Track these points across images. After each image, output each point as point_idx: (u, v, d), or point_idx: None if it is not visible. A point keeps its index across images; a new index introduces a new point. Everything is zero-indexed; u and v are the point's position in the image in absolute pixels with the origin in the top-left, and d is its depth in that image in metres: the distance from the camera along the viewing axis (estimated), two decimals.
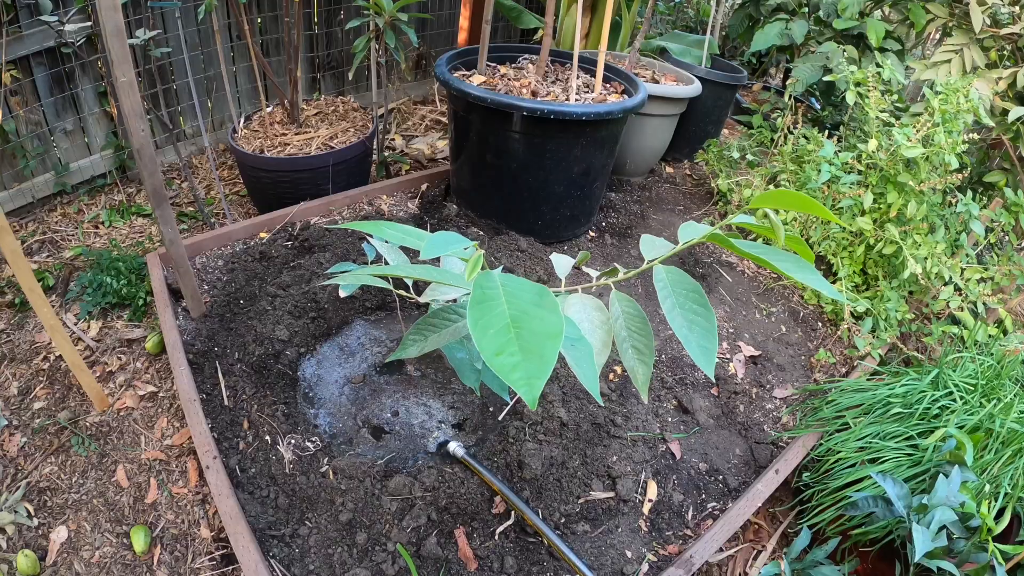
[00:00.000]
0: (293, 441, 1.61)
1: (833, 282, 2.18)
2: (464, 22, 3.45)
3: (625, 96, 2.31)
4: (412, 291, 1.19)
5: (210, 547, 1.66)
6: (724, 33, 3.82)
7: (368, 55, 2.42)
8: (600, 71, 2.24)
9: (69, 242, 2.82)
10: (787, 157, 2.30)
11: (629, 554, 1.44)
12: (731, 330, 2.21)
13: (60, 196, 2.99)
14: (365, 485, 1.48)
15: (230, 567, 1.59)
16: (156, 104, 3.08)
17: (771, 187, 2.38)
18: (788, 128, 2.51)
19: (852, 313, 2.10)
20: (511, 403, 1.70)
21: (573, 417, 1.67)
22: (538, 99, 2.15)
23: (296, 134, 2.78)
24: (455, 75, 2.37)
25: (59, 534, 1.70)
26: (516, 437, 1.57)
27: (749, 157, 2.53)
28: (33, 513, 1.73)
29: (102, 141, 3.00)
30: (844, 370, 2.10)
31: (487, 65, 2.50)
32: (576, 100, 2.20)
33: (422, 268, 0.85)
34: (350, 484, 1.48)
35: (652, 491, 1.59)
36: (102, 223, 2.93)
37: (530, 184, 2.23)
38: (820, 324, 2.29)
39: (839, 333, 2.18)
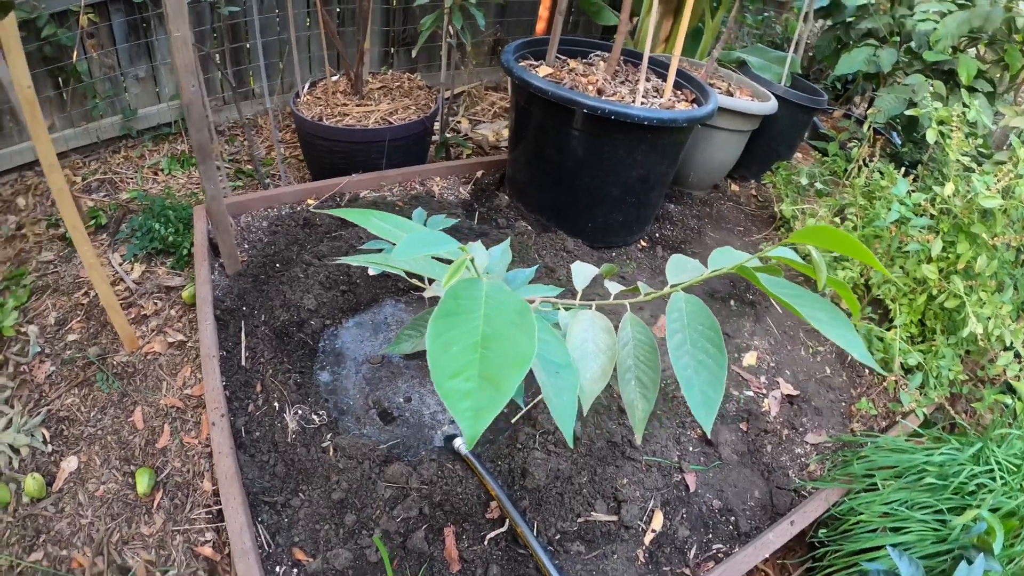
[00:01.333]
0: (300, 412, 1.59)
1: (888, 328, 2.03)
2: (544, 11, 3.38)
3: (695, 105, 2.20)
4: (426, 282, 1.14)
5: (208, 500, 1.66)
6: (811, 55, 3.63)
7: (440, 35, 2.38)
8: (672, 76, 2.13)
9: (127, 185, 2.90)
10: (858, 190, 2.15)
11: None
12: (772, 364, 2.09)
13: (125, 139, 3.08)
14: (363, 467, 1.45)
15: (223, 523, 1.59)
16: (227, 62, 3.14)
17: (837, 219, 2.23)
18: (863, 160, 2.35)
19: (902, 365, 1.95)
20: (525, 408, 1.64)
21: (589, 432, 1.59)
22: (602, 98, 2.07)
23: (357, 106, 2.77)
24: (521, 64, 2.31)
25: (69, 463, 1.73)
26: (524, 444, 1.51)
27: (818, 185, 2.38)
28: (48, 440, 1.77)
29: (171, 91, 3.07)
30: (884, 424, 1.95)
31: (557, 57, 2.42)
32: (642, 103, 2.11)
33: (424, 262, 0.79)
34: (348, 463, 1.45)
35: (657, 521, 1.50)
36: (161, 170, 3.00)
37: (585, 184, 2.15)
38: (867, 371, 2.13)
39: (885, 384, 2.02)
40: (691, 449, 1.73)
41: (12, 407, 1.81)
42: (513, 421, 1.63)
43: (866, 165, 2.31)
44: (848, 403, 2.00)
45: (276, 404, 1.63)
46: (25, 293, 2.21)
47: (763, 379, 2.02)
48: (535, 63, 2.37)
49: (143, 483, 1.67)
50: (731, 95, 2.50)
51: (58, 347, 2.05)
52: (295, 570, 1.33)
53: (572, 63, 2.40)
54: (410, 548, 1.33)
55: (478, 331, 0.52)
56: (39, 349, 2.03)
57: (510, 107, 2.35)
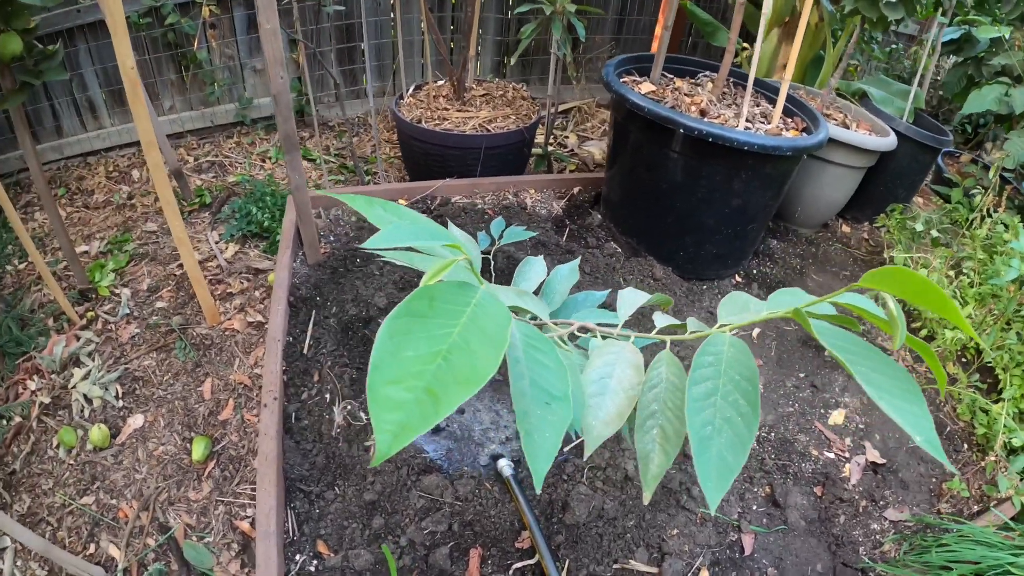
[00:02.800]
0: (349, 407, 1.58)
1: (996, 400, 1.76)
2: (659, 30, 3.28)
3: (804, 134, 2.03)
4: None
5: (255, 478, 1.68)
6: (940, 94, 3.29)
7: (548, 48, 2.34)
8: (780, 101, 1.98)
9: (235, 168, 3.07)
10: (978, 243, 1.89)
11: None
12: (861, 426, 1.87)
13: (239, 126, 3.27)
14: (400, 473, 1.41)
15: None
16: (342, 60, 3.27)
17: (951, 273, 1.97)
18: (987, 210, 2.07)
19: (1005, 444, 1.68)
20: (576, 439, 1.54)
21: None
22: (704, 119, 1.95)
23: (457, 111, 2.79)
24: (623, 79, 2.23)
25: (135, 420, 1.81)
26: (571, 476, 1.42)
27: (935, 233, 2.12)
28: (120, 395, 1.87)
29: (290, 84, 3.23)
30: (977, 508, 1.68)
31: (663, 76, 2.33)
32: (747, 128, 1.97)
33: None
34: (386, 466, 1.42)
35: None
36: (269, 158, 3.15)
37: (678, 209, 2.04)
38: (966, 446, 1.86)
39: (984, 464, 1.76)
40: (755, 508, 1.57)
41: (93, 360, 1.93)
42: (564, 450, 1.54)
43: (989, 216, 2.04)
44: (939, 480, 1.75)
45: (328, 396, 1.63)
46: (125, 258, 2.37)
47: (848, 441, 1.80)
48: (639, 79, 2.28)
49: (199, 450, 1.71)
50: (847, 127, 2.30)
51: (146, 312, 2.17)
52: (315, 562, 1.30)
53: (679, 82, 2.29)
54: (432, 563, 1.27)
55: (447, 340, 0.45)
56: (128, 311, 2.15)
57: (609, 123, 2.28)
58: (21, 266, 2.33)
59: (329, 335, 1.80)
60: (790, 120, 2.12)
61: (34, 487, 1.64)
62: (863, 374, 0.52)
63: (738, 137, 1.75)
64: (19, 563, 1.50)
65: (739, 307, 0.70)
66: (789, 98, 2.15)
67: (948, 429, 1.91)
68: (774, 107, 2.04)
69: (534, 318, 0.77)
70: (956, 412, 1.94)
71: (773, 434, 1.77)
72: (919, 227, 2.07)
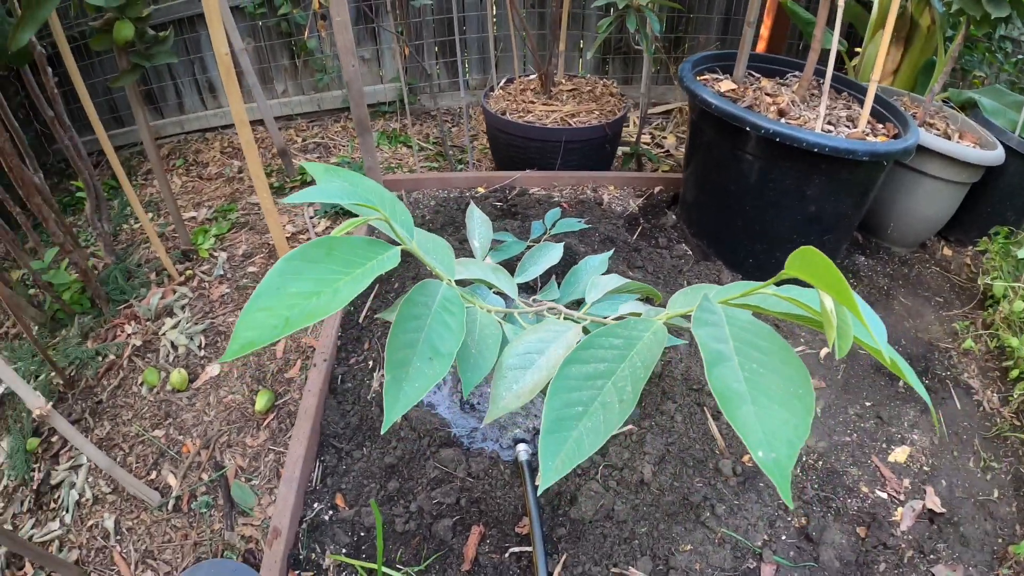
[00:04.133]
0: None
1: None
2: (765, 31, 3.13)
3: (893, 140, 1.87)
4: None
5: None
6: None
7: (639, 44, 2.32)
8: (868, 105, 1.83)
9: (338, 151, 3.29)
10: None
11: None
12: (925, 468, 1.69)
13: (345, 112, 3.50)
14: (421, 443, 1.47)
15: None
16: (445, 53, 3.40)
17: None
18: None
19: None
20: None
21: (661, 482, 1.44)
22: (781, 120, 1.85)
23: (543, 105, 2.82)
24: (703, 77, 2.16)
25: (212, 369, 2.01)
26: (585, 470, 1.41)
27: None
28: (203, 346, 2.08)
29: (392, 74, 3.41)
30: None
31: (749, 74, 2.23)
32: (827, 131, 1.84)
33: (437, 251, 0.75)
34: (410, 434, 1.49)
35: None
36: None
37: (748, 214, 1.95)
38: None
39: None
40: (783, 538, 1.47)
41: (184, 312, 2.16)
42: None
43: None
44: (1007, 541, 1.54)
45: (371, 363, 1.73)
46: (227, 225, 2.63)
47: (907, 482, 1.64)
48: (721, 77, 2.20)
49: (262, 402, 1.88)
50: (948, 138, 2.08)
51: (238, 274, 2.39)
52: (330, 512, 1.39)
53: (764, 81, 2.18)
54: (434, 532, 1.32)
55: (332, 284, 0.49)
56: (222, 272, 2.39)
57: (687, 121, 2.22)
58: (136, 226, 2.65)
59: (384, 307, 1.90)
60: (880, 126, 1.96)
61: (115, 417, 1.88)
62: (750, 370, 0.49)
63: (808, 138, 1.64)
64: (90, 479, 1.72)
65: (695, 298, 0.68)
66: (883, 103, 1.97)
67: None
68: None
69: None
70: None
71: (821, 463, 1.65)
72: (1022, 254, 1.83)
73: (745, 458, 1.60)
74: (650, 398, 1.60)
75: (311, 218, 2.75)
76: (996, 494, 1.65)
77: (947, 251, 2.44)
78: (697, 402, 1.59)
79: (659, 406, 1.55)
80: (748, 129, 1.73)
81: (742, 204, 1.95)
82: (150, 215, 2.76)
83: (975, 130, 2.13)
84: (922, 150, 1.99)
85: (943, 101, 2.42)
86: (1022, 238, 1.94)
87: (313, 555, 1.35)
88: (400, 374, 0.53)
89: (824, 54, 1.92)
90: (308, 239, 2.62)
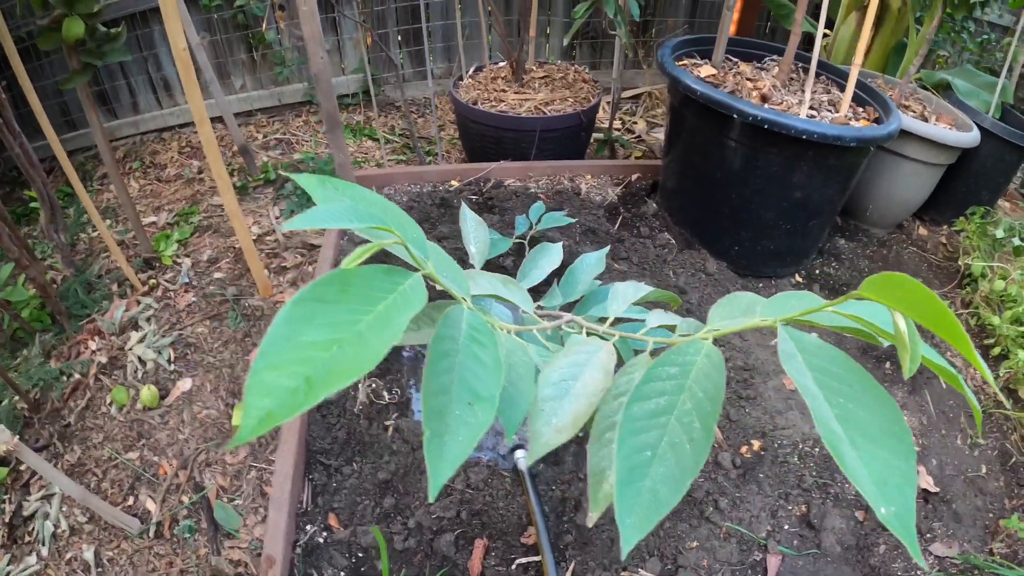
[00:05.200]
0: (373, 386, 1.60)
1: None
2: (735, 14, 3.12)
3: (875, 124, 1.87)
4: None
5: None
6: None
7: (615, 29, 2.27)
8: (850, 89, 1.82)
9: (301, 147, 3.16)
10: None
11: None
12: (916, 448, 1.71)
13: (307, 105, 3.37)
14: (416, 455, 1.41)
15: None
16: (408, 41, 3.29)
17: None
18: None
19: None
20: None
21: None
22: (765, 106, 1.83)
23: (515, 93, 2.75)
24: (682, 63, 2.12)
25: (184, 384, 1.91)
26: (587, 475, 1.37)
27: (1017, 241, 1.89)
28: (173, 359, 1.97)
29: (354, 65, 3.29)
30: None
31: (727, 59, 2.20)
32: (810, 116, 1.83)
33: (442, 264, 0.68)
34: (403, 447, 1.43)
35: None
36: None
37: (733, 201, 1.93)
38: None
39: None
40: (786, 527, 1.47)
41: (150, 325, 2.05)
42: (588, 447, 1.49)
43: None
44: (997, 516, 1.58)
45: None
46: (190, 230, 2.50)
47: None
48: (700, 62, 2.17)
49: (240, 416, 1.78)
50: (925, 120, 2.09)
51: (204, 281, 2.28)
52: (324, 534, 1.33)
53: (743, 66, 2.16)
54: (436, 548, 1.27)
55: (352, 328, 0.42)
56: (187, 280, 2.27)
57: (666, 108, 2.19)
58: (94, 234, 2.50)
59: None
60: (861, 109, 1.96)
61: (85, 440, 1.77)
62: (838, 405, 0.45)
63: (796, 125, 1.63)
64: (64, 509, 1.61)
65: (739, 310, 0.63)
66: (862, 86, 1.97)
67: (1015, 459, 1.73)
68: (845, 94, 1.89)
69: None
70: None
71: (818, 449, 1.65)
72: (1000, 233, 1.86)
73: (743, 449, 1.59)
74: None
75: (276, 218, 2.64)
76: (984, 470, 1.69)
77: (923, 231, 2.48)
78: None
79: None
80: (735, 116, 1.70)
81: (727, 191, 1.93)
82: (108, 222, 2.61)
83: (950, 111, 2.16)
84: (902, 133, 2.00)
85: (916, 82, 2.45)
86: (998, 218, 1.97)
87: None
88: (439, 427, 0.46)
89: (805, 38, 1.90)
90: (275, 240, 2.52)
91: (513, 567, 1.26)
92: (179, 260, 2.36)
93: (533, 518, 1.25)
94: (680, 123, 2.03)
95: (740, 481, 1.51)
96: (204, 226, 2.57)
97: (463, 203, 1.32)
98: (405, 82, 3.44)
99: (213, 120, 3.13)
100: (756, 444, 1.60)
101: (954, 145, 1.99)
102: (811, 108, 1.88)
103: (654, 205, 2.30)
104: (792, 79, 2.06)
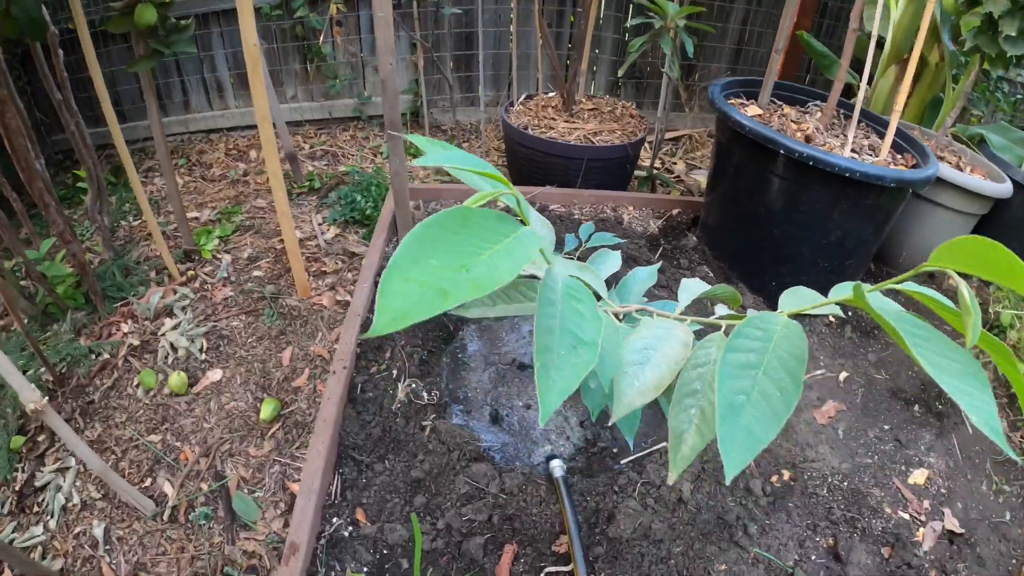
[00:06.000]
0: (413, 386, 1.61)
1: None
2: (779, 67, 3.22)
3: (914, 169, 1.91)
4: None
5: None
6: None
7: (661, 71, 2.33)
8: (890, 135, 1.87)
9: (347, 159, 3.24)
10: None
11: None
12: (943, 491, 1.70)
13: (355, 121, 3.46)
14: (451, 456, 1.41)
15: None
16: (459, 67, 3.39)
17: None
18: None
19: None
20: (637, 454, 1.49)
21: (698, 501, 1.40)
22: (808, 145, 1.88)
23: (564, 122, 2.81)
24: (729, 101, 2.19)
25: (214, 374, 1.93)
26: (623, 488, 1.37)
27: None
28: (205, 349, 1.99)
29: (404, 86, 3.38)
30: None
31: (772, 101, 2.26)
32: (852, 157, 1.87)
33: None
34: (439, 447, 1.43)
35: None
36: (380, 154, 3.30)
37: (774, 237, 1.96)
38: None
39: None
40: (813, 558, 1.45)
41: (185, 313, 2.07)
42: (622, 463, 1.49)
43: None
44: (1020, 563, 1.55)
45: (395, 372, 1.67)
46: (232, 227, 2.55)
47: (927, 504, 1.65)
48: (746, 103, 2.23)
49: (267, 411, 1.79)
50: (961, 170, 2.14)
51: (242, 278, 2.31)
52: (350, 528, 1.32)
53: (787, 109, 2.21)
54: (464, 551, 1.25)
55: (475, 258, 0.46)
56: (226, 275, 2.30)
57: (713, 145, 2.24)
58: (135, 223, 2.55)
59: None
60: (899, 156, 1.99)
61: (108, 419, 1.78)
62: (925, 356, 0.50)
63: (840, 163, 1.66)
64: (78, 483, 1.62)
65: (804, 298, 0.66)
66: (901, 135, 2.02)
67: None
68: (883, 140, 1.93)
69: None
70: None
71: (846, 483, 1.64)
72: None
73: (774, 478, 1.58)
74: None
75: (319, 224, 2.69)
76: (1008, 516, 1.67)
77: (952, 281, 2.49)
78: None
79: None
80: (781, 152, 1.74)
81: (769, 227, 1.96)
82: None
83: (984, 164, 2.20)
84: (937, 181, 2.04)
85: (951, 136, 2.49)
86: None
87: (333, 573, 1.27)
88: (547, 360, 0.50)
89: (848, 87, 1.95)
90: (316, 246, 2.56)
91: (542, 575, 1.25)
92: (219, 255, 2.40)
93: (567, 526, 1.25)
94: (726, 158, 2.08)
95: (770, 509, 1.50)
96: (246, 226, 2.62)
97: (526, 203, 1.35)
98: (455, 106, 3.53)
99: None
100: (787, 474, 1.59)
101: (987, 195, 2.02)
102: (852, 151, 1.92)
103: (694, 239, 2.33)
104: (834, 124, 2.11)
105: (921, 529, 1.58)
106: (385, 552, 1.31)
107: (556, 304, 0.54)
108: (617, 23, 3.39)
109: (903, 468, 1.74)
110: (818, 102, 2.25)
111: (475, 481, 1.35)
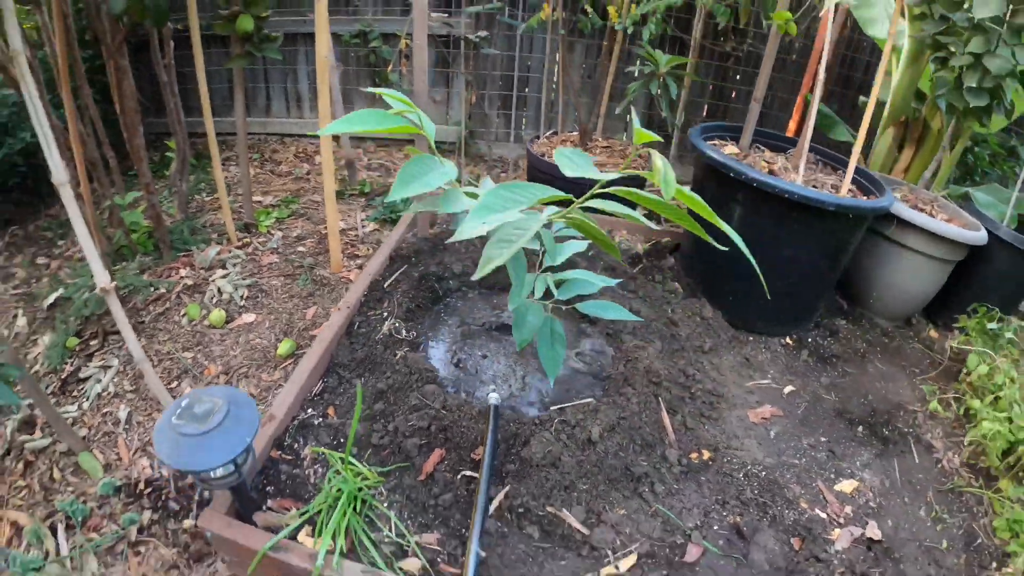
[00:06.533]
0: (396, 325, 1.91)
1: None
2: (793, 124, 3.45)
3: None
4: None
5: None
6: None
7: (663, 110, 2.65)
8: (850, 173, 2.07)
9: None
10: None
11: None
12: (872, 505, 1.75)
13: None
14: (411, 378, 1.69)
15: None
16: (505, 105, 3.82)
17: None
18: None
19: None
20: (563, 404, 1.71)
21: (608, 446, 1.59)
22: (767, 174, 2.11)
23: None
24: (711, 141, 2.46)
25: (248, 317, 2.31)
26: (542, 422, 1.60)
27: (1009, 335, 1.96)
28: (245, 298, 2.39)
29: (456, 117, 3.85)
30: None
31: (756, 146, 2.52)
32: (806, 186, 2.08)
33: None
34: (403, 370, 1.71)
35: (627, 564, 1.40)
36: None
37: (729, 255, 2.17)
38: (995, 565, 1.67)
39: None
40: (715, 528, 1.56)
41: (235, 267, 2.50)
42: (552, 409, 1.70)
43: None
44: None
45: (385, 315, 1.98)
46: (288, 212, 3.01)
47: (848, 509, 1.72)
48: (727, 143, 2.49)
49: (284, 348, 2.15)
50: (934, 217, 2.28)
51: (288, 251, 2.74)
52: (320, 419, 1.62)
53: (768, 152, 2.45)
54: (402, 448, 1.52)
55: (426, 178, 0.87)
56: (276, 247, 2.74)
57: (692, 180, 2.50)
58: (207, 199, 3.06)
59: (407, 280, 2.17)
60: (864, 196, 2.18)
61: (153, 336, 2.18)
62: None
63: (780, 185, 1.89)
64: (116, 379, 2.01)
65: (580, 166, 0.96)
66: (872, 180, 2.21)
67: (979, 541, 1.74)
68: (852, 183, 2.13)
69: None
70: (994, 529, 1.77)
71: (765, 474, 1.74)
72: (1008, 334, 1.94)
73: (693, 455, 1.73)
74: (612, 383, 1.79)
75: (362, 220, 3.10)
76: (944, 544, 1.68)
77: (933, 333, 2.56)
78: (654, 394, 1.77)
79: (619, 389, 1.74)
80: (731, 174, 1.99)
81: (729, 250, 2.17)
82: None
83: (963, 216, 2.33)
84: (904, 224, 2.20)
85: (944, 195, 2.63)
86: (1003, 327, 2.06)
87: (296, 445, 1.57)
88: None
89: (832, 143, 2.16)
90: (355, 236, 2.96)
91: (458, 476, 1.48)
92: (273, 231, 2.84)
93: (486, 441, 1.49)
94: (700, 190, 2.32)
95: (681, 476, 1.65)
96: (300, 213, 3.07)
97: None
98: (495, 141, 3.95)
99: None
100: (707, 454, 1.73)
101: (954, 239, 2.15)
102: (813, 186, 2.12)
103: (672, 261, 2.57)
104: (811, 167, 2.33)
105: (837, 530, 1.63)
106: (342, 440, 1.59)
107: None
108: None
109: (831, 476, 1.81)
110: (813, 154, 2.47)
111: (424, 397, 1.62)
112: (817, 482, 1.79)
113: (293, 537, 1.31)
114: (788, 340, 2.30)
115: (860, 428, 2.02)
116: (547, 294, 1.67)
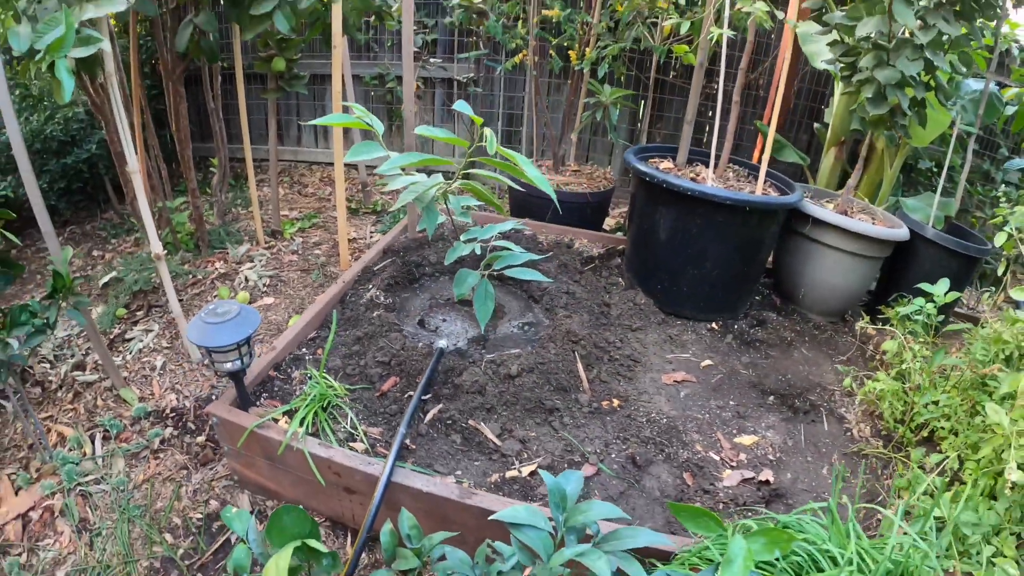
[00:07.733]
0: (377, 294, 2.37)
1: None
2: (756, 152, 3.81)
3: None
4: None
5: None
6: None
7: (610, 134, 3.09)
8: (762, 175, 2.43)
9: None
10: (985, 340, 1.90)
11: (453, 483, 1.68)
12: (771, 459, 1.93)
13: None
14: (382, 329, 2.12)
15: None
16: (502, 140, 4.34)
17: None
18: (997, 303, 2.09)
19: None
20: (496, 353, 2.09)
21: (525, 381, 1.92)
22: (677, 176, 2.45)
23: (549, 176, 3.61)
24: (651, 160, 2.83)
25: (268, 299, 2.81)
26: (475, 362, 1.99)
27: (920, 317, 2.15)
28: (267, 285, 2.90)
29: (463, 151, 4.38)
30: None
31: (694, 162, 2.85)
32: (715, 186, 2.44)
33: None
34: (376, 323, 2.15)
35: (528, 471, 1.71)
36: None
37: (657, 252, 2.53)
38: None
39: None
40: (613, 456, 1.82)
41: (260, 261, 3.02)
42: (483, 352, 2.07)
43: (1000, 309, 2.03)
44: None
45: (371, 287, 2.43)
46: (309, 224, 3.55)
47: (743, 456, 1.90)
48: (663, 161, 2.84)
49: (294, 321, 2.61)
50: (849, 218, 2.55)
51: (306, 252, 3.25)
52: (310, 356, 2.10)
53: (700, 168, 2.78)
54: (367, 375, 1.94)
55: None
56: (296, 249, 3.26)
57: (630, 193, 2.90)
58: (242, 211, 3.64)
59: (392, 267, 2.62)
60: (777, 195, 2.52)
61: (189, 309, 2.71)
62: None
63: (683, 184, 2.27)
64: (155, 340, 2.52)
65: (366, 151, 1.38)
66: (784, 182, 2.56)
67: (880, 499, 1.82)
68: (769, 186, 2.48)
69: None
70: (896, 489, 1.80)
71: (667, 421, 1.97)
72: (921, 321, 2.11)
73: (604, 403, 2.01)
74: (537, 342, 2.16)
75: (371, 231, 3.61)
76: (845, 500, 1.72)
77: (871, 331, 2.77)
78: (572, 350, 2.12)
79: (543, 345, 2.11)
80: (646, 178, 2.39)
81: (655, 246, 2.55)
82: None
83: (891, 220, 2.60)
84: (819, 223, 2.50)
85: (885, 208, 2.92)
86: (914, 311, 2.22)
87: (289, 370, 2.02)
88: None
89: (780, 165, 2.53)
90: (364, 243, 3.46)
91: (405, 395, 1.89)
92: (295, 237, 3.38)
93: (425, 372, 1.89)
94: (634, 200, 2.72)
95: (589, 416, 1.94)
96: (320, 225, 3.61)
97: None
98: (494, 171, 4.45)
99: (349, 165, 4.31)
100: (616, 402, 2.01)
101: (870, 236, 2.42)
102: (728, 186, 2.48)
103: (619, 260, 2.94)
104: (740, 178, 2.69)
105: (729, 471, 1.82)
106: (325, 373, 2.01)
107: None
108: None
109: (733, 431, 2.00)
110: (737, 168, 2.84)
111: (390, 342, 2.04)
112: (717, 433, 1.98)
113: (276, 422, 1.73)
114: (714, 325, 2.59)
115: (771, 398, 2.17)
116: (488, 268, 2.09)
